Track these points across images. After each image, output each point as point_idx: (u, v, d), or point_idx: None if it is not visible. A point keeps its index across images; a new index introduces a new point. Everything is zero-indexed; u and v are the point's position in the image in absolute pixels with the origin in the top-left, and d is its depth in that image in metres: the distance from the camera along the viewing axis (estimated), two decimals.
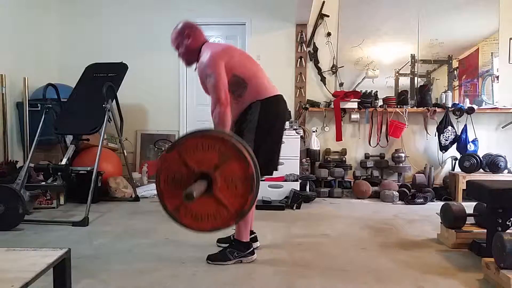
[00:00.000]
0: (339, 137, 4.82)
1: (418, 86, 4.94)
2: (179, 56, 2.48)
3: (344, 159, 4.92)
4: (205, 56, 2.28)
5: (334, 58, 5.03)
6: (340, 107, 4.76)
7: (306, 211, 3.90)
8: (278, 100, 2.40)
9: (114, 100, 4.09)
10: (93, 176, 3.53)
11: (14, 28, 4.44)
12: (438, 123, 4.76)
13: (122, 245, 2.69)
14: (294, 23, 5.04)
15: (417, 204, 4.21)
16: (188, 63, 2.49)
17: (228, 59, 2.27)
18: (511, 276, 1.88)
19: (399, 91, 4.91)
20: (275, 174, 4.34)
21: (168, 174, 1.51)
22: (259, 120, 2.30)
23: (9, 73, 4.27)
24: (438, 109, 4.75)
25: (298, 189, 4.17)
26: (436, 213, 3.21)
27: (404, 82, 5.00)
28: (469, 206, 2.88)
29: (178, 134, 5.20)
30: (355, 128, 5.02)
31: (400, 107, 4.80)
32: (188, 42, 2.39)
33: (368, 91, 4.89)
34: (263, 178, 4.12)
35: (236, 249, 2.34)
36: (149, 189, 4.51)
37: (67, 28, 5.24)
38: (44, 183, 3.77)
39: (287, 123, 4.49)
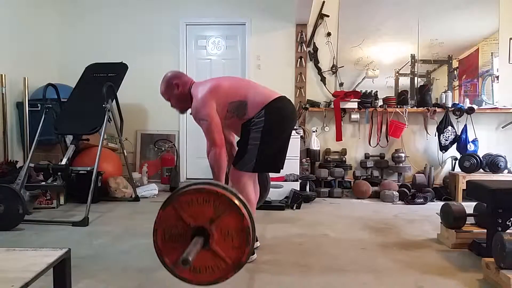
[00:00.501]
0: (339, 137, 4.81)
1: (418, 86, 4.94)
2: (172, 107, 2.55)
3: (344, 159, 4.92)
4: (195, 99, 2.34)
5: (334, 58, 5.03)
6: (340, 107, 4.76)
7: (306, 211, 3.90)
8: (281, 101, 2.40)
9: (114, 100, 4.09)
10: (93, 176, 3.53)
11: (14, 28, 4.44)
12: (438, 123, 4.76)
13: (122, 245, 2.69)
14: (294, 23, 5.04)
15: (417, 204, 4.21)
16: (183, 110, 2.57)
17: (218, 96, 2.31)
18: (511, 276, 1.88)
19: (399, 91, 4.91)
20: (275, 174, 4.31)
21: (165, 229, 1.55)
22: (265, 121, 2.30)
23: (9, 73, 4.27)
24: (438, 109, 4.75)
25: (298, 189, 4.18)
26: (436, 213, 3.21)
27: (404, 82, 5.00)
28: (469, 206, 2.88)
29: (178, 134, 5.20)
30: (355, 128, 5.02)
31: (400, 107, 4.80)
32: (178, 91, 2.46)
33: (368, 91, 4.89)
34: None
35: None
36: (149, 189, 4.51)
37: (67, 28, 5.24)
38: (44, 183, 3.78)
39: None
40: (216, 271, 1.54)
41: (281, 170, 2.49)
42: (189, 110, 2.50)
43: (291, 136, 2.53)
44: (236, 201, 1.52)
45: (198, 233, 1.52)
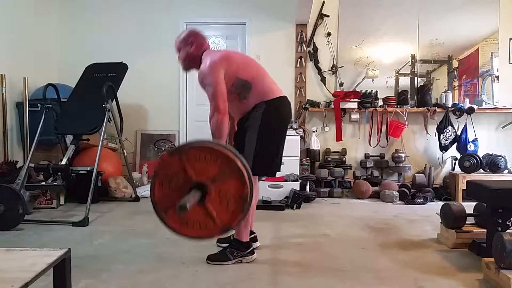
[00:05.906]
0: (339, 137, 4.81)
1: (418, 86, 4.94)
2: (179, 60, 2.49)
3: (344, 159, 4.92)
4: (204, 65, 2.30)
5: (334, 58, 5.03)
6: (340, 107, 4.76)
7: (306, 211, 3.90)
8: (282, 101, 2.40)
9: (114, 100, 4.09)
10: (93, 176, 3.53)
11: (14, 28, 4.44)
12: (438, 123, 4.76)
13: (122, 245, 2.69)
14: (294, 23, 5.04)
15: (417, 204, 4.21)
16: (187, 68, 2.51)
17: (228, 66, 2.28)
18: (511, 276, 1.88)
19: (399, 91, 4.91)
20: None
21: (165, 176, 1.54)
22: (262, 120, 2.30)
23: (9, 73, 4.27)
24: (438, 109, 4.75)
25: (298, 189, 4.17)
26: (436, 213, 3.21)
27: (404, 82, 5.00)
28: (469, 206, 2.88)
29: (178, 134, 5.20)
30: (355, 128, 5.02)
31: (400, 107, 4.80)
32: (191, 50, 2.42)
33: (368, 91, 4.89)
34: (263, 179, 4.12)
35: (236, 249, 2.35)
36: (149, 189, 4.50)
37: (67, 28, 5.24)
38: (44, 183, 3.78)
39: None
40: (203, 228, 1.55)
41: (277, 173, 2.47)
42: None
43: (289, 137, 2.53)
44: (243, 169, 1.51)
45: (197, 188, 1.51)
